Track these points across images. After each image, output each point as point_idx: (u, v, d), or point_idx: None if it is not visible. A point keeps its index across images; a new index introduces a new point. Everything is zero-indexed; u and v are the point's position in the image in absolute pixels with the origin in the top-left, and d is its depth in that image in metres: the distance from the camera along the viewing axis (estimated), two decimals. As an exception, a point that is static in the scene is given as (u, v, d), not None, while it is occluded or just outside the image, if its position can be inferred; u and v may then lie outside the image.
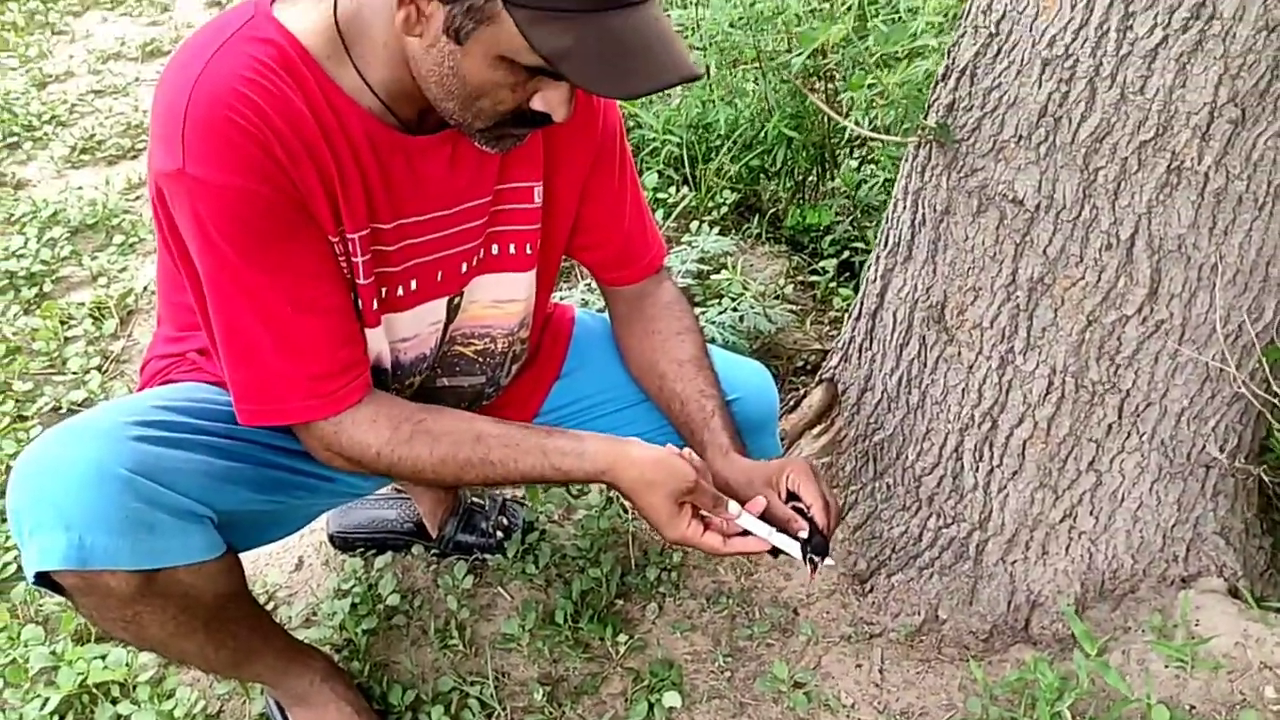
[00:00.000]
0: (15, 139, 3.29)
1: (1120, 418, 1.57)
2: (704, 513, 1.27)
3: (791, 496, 1.31)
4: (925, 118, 1.63)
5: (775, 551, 1.28)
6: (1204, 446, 1.58)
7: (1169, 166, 1.38)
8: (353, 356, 1.25)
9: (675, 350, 1.51)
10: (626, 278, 1.55)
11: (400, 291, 1.31)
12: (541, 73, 1.07)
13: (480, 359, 1.47)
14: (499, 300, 1.43)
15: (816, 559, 1.26)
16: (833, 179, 2.68)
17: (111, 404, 1.30)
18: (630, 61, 1.03)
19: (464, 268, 1.35)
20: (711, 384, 1.48)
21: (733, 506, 1.27)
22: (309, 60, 1.14)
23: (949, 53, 1.62)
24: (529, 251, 1.41)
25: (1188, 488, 1.63)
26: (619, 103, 1.56)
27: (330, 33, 1.15)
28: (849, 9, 2.13)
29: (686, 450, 1.31)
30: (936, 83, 1.65)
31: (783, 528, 1.28)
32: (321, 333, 1.21)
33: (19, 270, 2.71)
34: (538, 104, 1.13)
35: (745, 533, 1.28)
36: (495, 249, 1.38)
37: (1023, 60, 1.46)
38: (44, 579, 1.16)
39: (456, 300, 1.39)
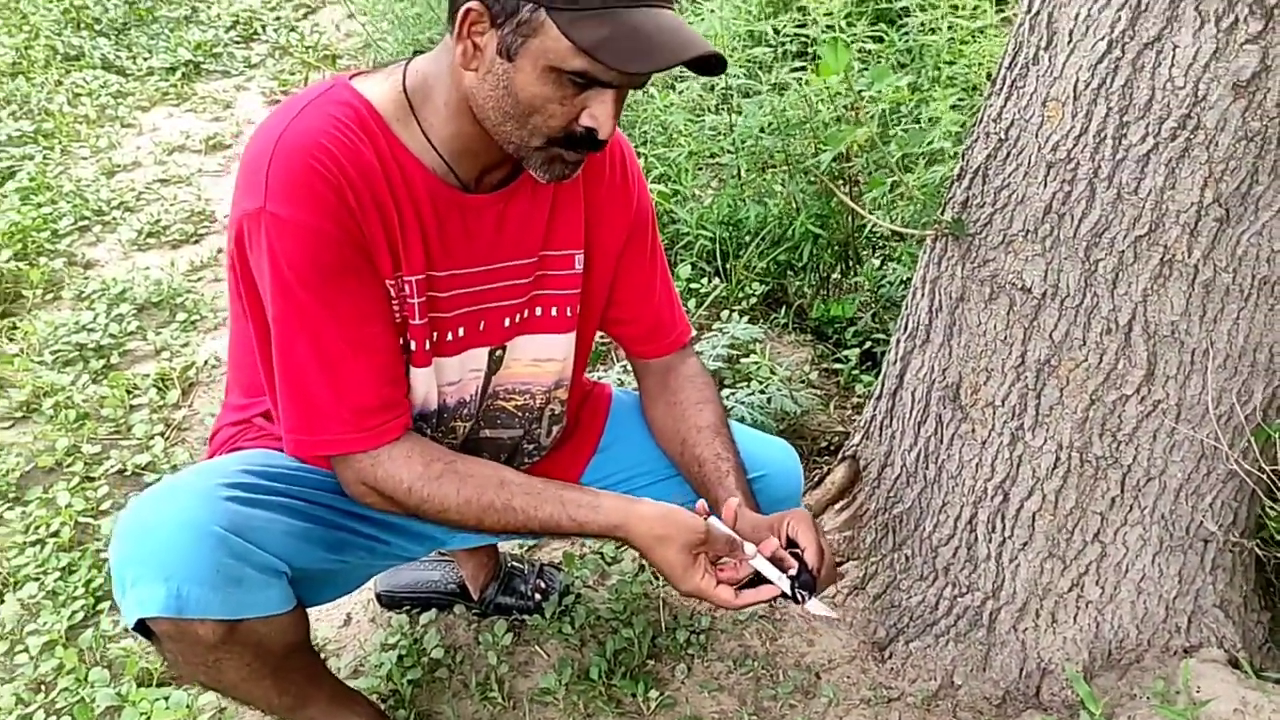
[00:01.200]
0: (86, 223, 3.51)
1: (1123, 491, 1.69)
2: (719, 564, 1.37)
3: (791, 544, 1.41)
4: (942, 213, 1.79)
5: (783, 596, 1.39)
6: (1202, 521, 1.69)
7: (1162, 259, 1.53)
8: (396, 396, 1.37)
9: (696, 418, 1.62)
10: (654, 351, 1.68)
11: (449, 336, 1.43)
12: (584, 83, 1.21)
13: (520, 413, 1.59)
14: (538, 359, 1.55)
15: (804, 594, 1.35)
16: (856, 275, 2.84)
17: (201, 467, 1.42)
18: (657, 43, 1.17)
19: (506, 321, 1.48)
20: (728, 448, 1.58)
21: (748, 547, 1.36)
22: (380, 122, 1.30)
23: (963, 155, 1.79)
24: (569, 314, 1.54)
25: (1188, 561, 1.74)
26: (650, 187, 1.72)
27: (399, 99, 1.32)
28: (873, 117, 2.32)
29: (700, 503, 1.41)
30: (952, 182, 1.82)
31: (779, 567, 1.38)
32: (370, 371, 1.33)
33: (88, 343, 2.89)
34: (586, 120, 1.24)
35: (754, 583, 1.37)
36: (539, 310, 1.52)
37: (1029, 163, 1.63)
38: (139, 625, 1.27)
39: (499, 353, 1.51)
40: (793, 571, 1.36)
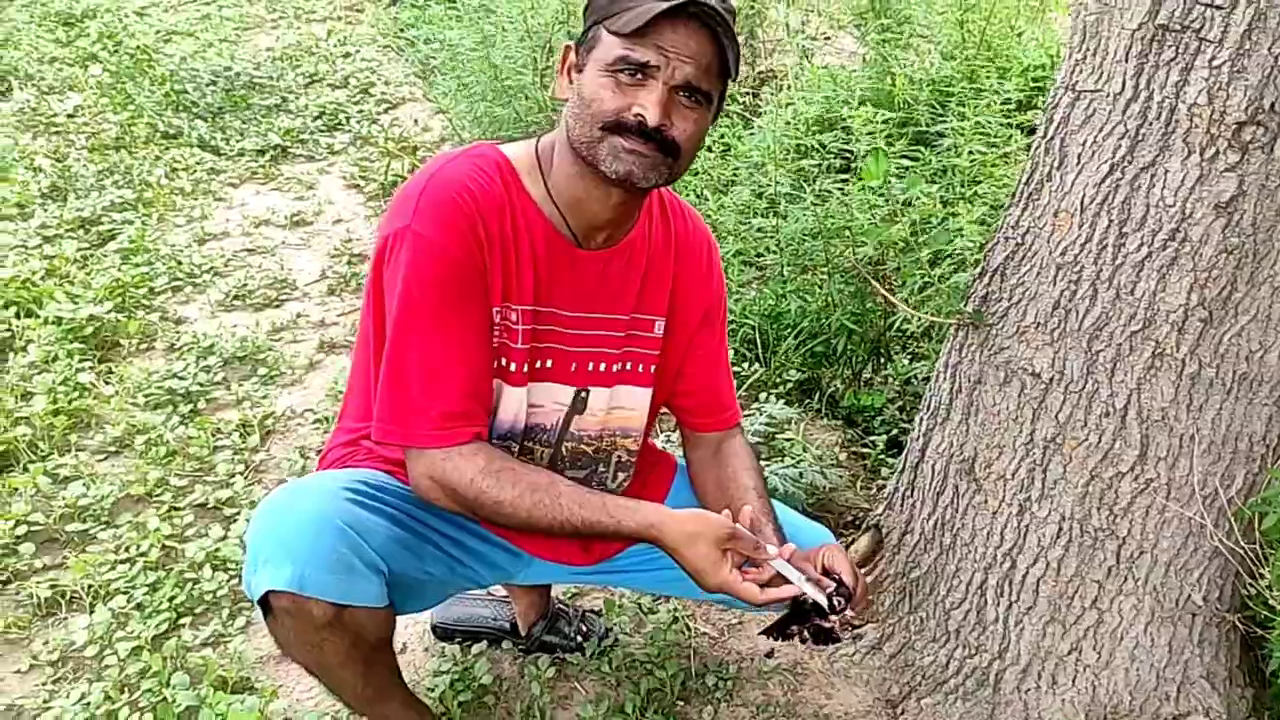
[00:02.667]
0: (179, 284, 3.82)
1: (1118, 562, 1.88)
2: (744, 569, 1.52)
3: (826, 572, 1.58)
4: (965, 305, 2.03)
5: (800, 614, 1.56)
6: (1190, 594, 1.88)
7: (1154, 352, 1.75)
8: (477, 408, 1.56)
9: (743, 480, 1.79)
10: (709, 425, 1.88)
11: (539, 365, 1.66)
12: (631, 71, 1.44)
13: (594, 455, 1.79)
14: (616, 407, 1.76)
15: (840, 600, 1.52)
16: (885, 369, 3.07)
17: (323, 474, 1.66)
18: (661, 6, 1.40)
19: (590, 366, 1.70)
20: (767, 509, 1.74)
21: (770, 549, 1.54)
22: (514, 174, 1.58)
23: (985, 257, 2.04)
24: (645, 372, 1.77)
25: (1177, 632, 1.91)
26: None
27: (531, 157, 1.61)
28: (909, 224, 2.58)
29: (725, 511, 1.58)
30: (974, 280, 2.06)
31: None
32: (462, 381, 1.53)
33: (178, 389, 3.15)
34: (636, 108, 1.45)
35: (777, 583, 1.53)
36: (628, 365, 1.74)
37: (1041, 264, 1.87)
38: (264, 598, 1.48)
39: (583, 395, 1.72)
40: (830, 589, 1.53)
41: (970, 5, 4.50)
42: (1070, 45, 1.79)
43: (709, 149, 3.83)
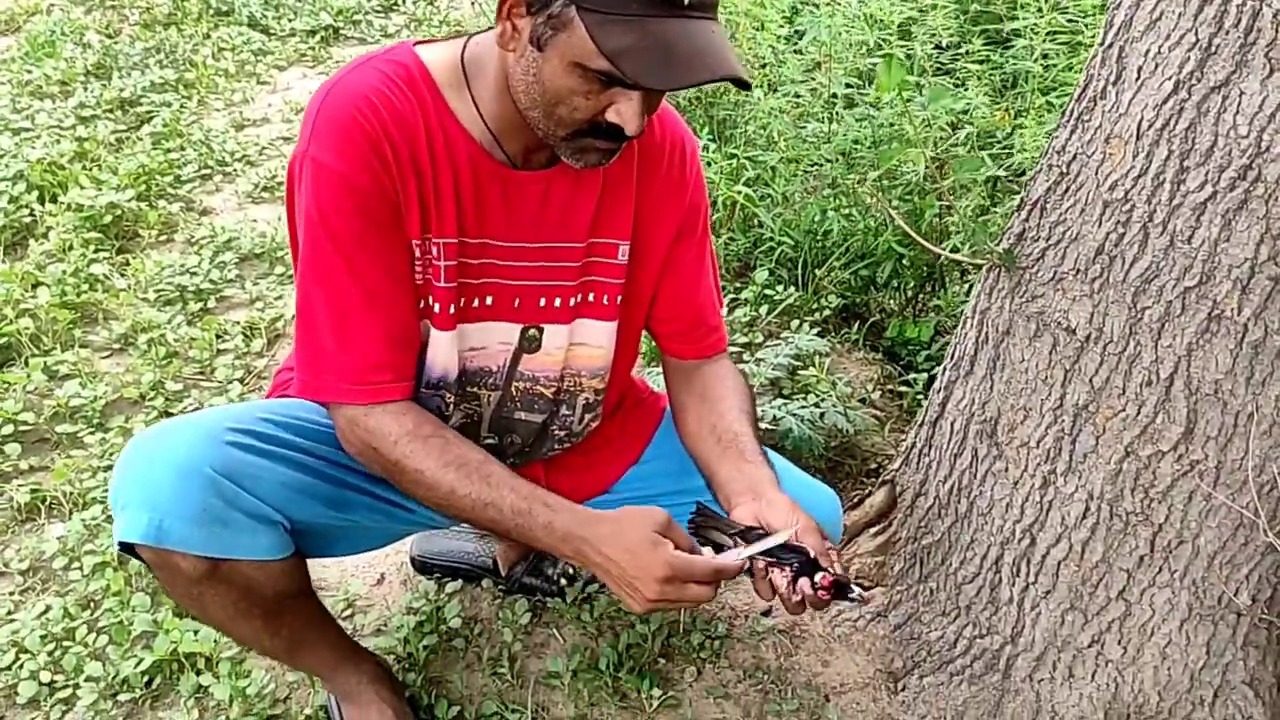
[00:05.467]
0: (208, 172, 3.69)
1: (1152, 551, 1.62)
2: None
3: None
4: (998, 244, 1.74)
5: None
6: (1236, 593, 1.61)
7: (1210, 314, 1.46)
8: (402, 360, 1.38)
9: (729, 402, 1.55)
10: (689, 351, 1.64)
11: (475, 303, 1.45)
12: (609, 80, 1.20)
13: (554, 397, 1.58)
14: (576, 344, 1.54)
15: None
16: (937, 296, 2.78)
17: (221, 409, 1.47)
18: (679, 60, 1.17)
19: (542, 301, 1.48)
20: (755, 440, 1.50)
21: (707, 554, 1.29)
22: (432, 85, 1.34)
23: (1026, 186, 1.74)
24: (606, 303, 1.53)
25: (1218, 632, 1.65)
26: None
27: (456, 67, 1.35)
28: (966, 140, 2.26)
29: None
30: (1013, 212, 1.76)
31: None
32: (380, 327, 1.35)
33: (189, 286, 3.03)
34: (612, 116, 1.24)
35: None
36: (589, 297, 1.52)
37: (1087, 200, 1.57)
38: (127, 548, 1.33)
39: (532, 333, 1.50)
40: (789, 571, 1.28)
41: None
42: (1139, -69, 1.46)
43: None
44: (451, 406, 1.51)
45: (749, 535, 1.31)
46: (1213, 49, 1.37)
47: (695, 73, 1.18)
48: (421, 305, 1.42)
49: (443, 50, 1.37)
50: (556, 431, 1.65)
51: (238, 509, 1.32)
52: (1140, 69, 1.47)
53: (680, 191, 1.54)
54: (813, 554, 1.27)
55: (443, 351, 1.45)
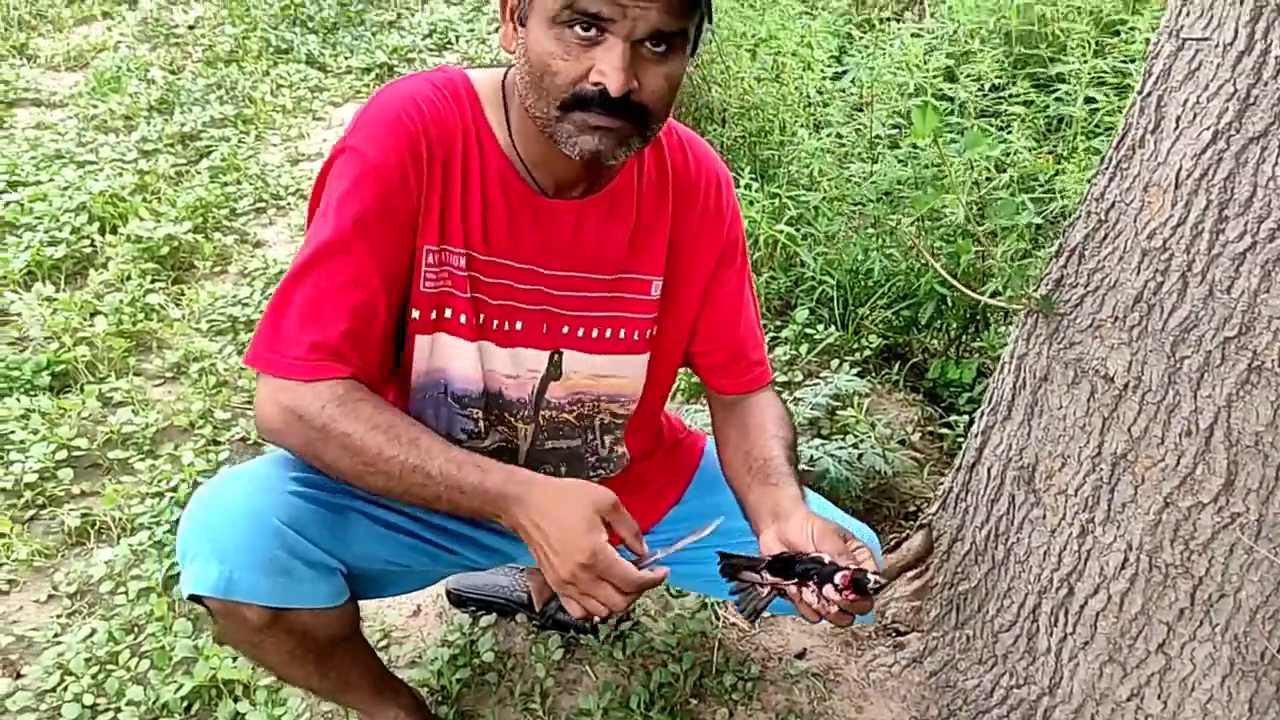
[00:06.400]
0: (263, 205, 3.77)
1: (1192, 604, 1.59)
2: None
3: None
4: (1035, 290, 1.73)
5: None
6: None
7: (1250, 365, 1.44)
8: (356, 356, 1.31)
9: (768, 430, 1.52)
10: (731, 386, 1.61)
11: (495, 325, 1.43)
12: (584, 24, 1.17)
13: (579, 423, 1.57)
14: (599, 375, 1.52)
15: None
16: (979, 338, 2.76)
17: (281, 456, 1.42)
18: None
19: (565, 330, 1.47)
20: (790, 466, 1.46)
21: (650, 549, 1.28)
22: (475, 101, 1.36)
23: (1064, 232, 1.73)
24: (638, 339, 1.52)
25: (1261, 689, 1.61)
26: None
27: (497, 88, 1.37)
28: (1008, 183, 2.26)
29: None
30: (1051, 259, 1.76)
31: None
32: (347, 319, 1.29)
33: (240, 316, 3.10)
34: (595, 76, 1.20)
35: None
36: (609, 331, 1.50)
37: (1125, 247, 1.56)
38: (195, 596, 1.33)
39: (557, 358, 1.49)
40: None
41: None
42: (1179, -19, 1.46)
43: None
44: (485, 428, 1.50)
45: (777, 564, 1.27)
46: (1251, 100, 1.36)
47: None
48: (434, 315, 1.40)
49: (490, 72, 1.39)
50: (588, 458, 1.62)
51: (301, 559, 1.33)
52: (1179, 118, 1.46)
53: (717, 225, 1.53)
54: (828, 559, 1.22)
55: (465, 363, 1.43)
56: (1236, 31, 1.36)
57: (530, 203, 1.39)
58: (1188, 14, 1.45)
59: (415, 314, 1.40)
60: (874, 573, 1.19)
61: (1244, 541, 1.52)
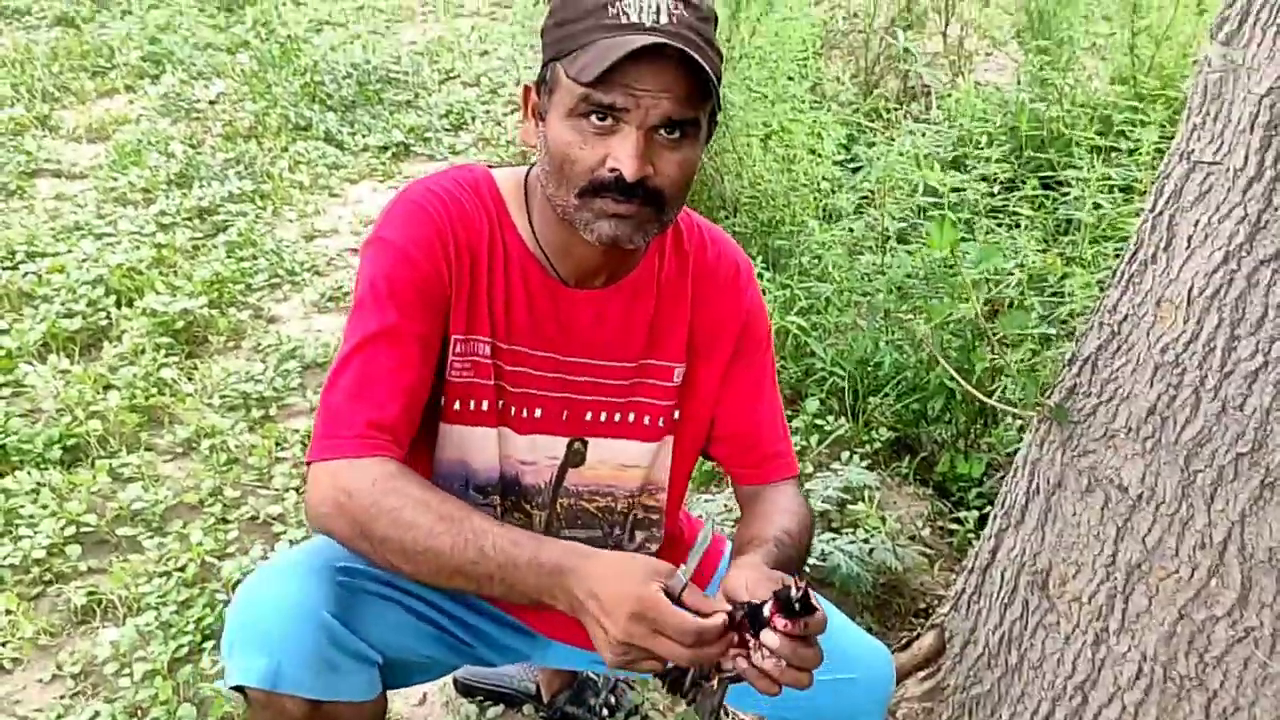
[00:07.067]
0: (278, 280, 3.81)
1: (1207, 717, 1.59)
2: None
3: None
4: (1049, 397, 1.76)
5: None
6: (1295, 765, 1.57)
7: (1263, 481, 1.45)
8: (407, 434, 1.33)
9: (774, 521, 1.45)
10: (753, 476, 1.59)
11: (514, 412, 1.46)
12: (600, 115, 1.23)
13: (602, 515, 1.57)
14: (623, 464, 1.54)
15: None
16: (989, 433, 2.77)
17: (324, 542, 1.38)
18: (614, 52, 1.18)
19: (588, 416, 1.49)
20: (778, 550, 1.36)
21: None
22: (498, 198, 1.41)
23: (1077, 342, 1.76)
24: (660, 425, 1.53)
25: (1276, 805, 1.60)
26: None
27: (519, 186, 1.43)
28: (1017, 284, 2.30)
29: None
30: (1063, 367, 1.78)
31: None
32: (402, 397, 1.32)
33: (253, 393, 3.12)
34: (610, 162, 1.24)
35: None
36: (631, 416, 1.52)
37: (1138, 360, 1.58)
38: (238, 686, 1.32)
39: (578, 446, 1.50)
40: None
41: (1142, 28, 4.11)
42: (1189, 105, 1.51)
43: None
44: (500, 514, 1.51)
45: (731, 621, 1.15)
46: (1262, 224, 1.40)
47: (624, 47, 1.18)
48: (458, 406, 1.43)
49: (509, 172, 1.45)
50: (608, 545, 1.59)
51: (346, 652, 1.32)
52: (1190, 238, 1.50)
53: (736, 312, 1.55)
54: (755, 601, 1.12)
55: (487, 452, 1.46)
56: (1246, 158, 1.40)
57: (552, 292, 1.43)
58: (1199, 138, 1.49)
59: (441, 401, 1.43)
60: (794, 582, 1.10)
61: (1258, 656, 1.52)
